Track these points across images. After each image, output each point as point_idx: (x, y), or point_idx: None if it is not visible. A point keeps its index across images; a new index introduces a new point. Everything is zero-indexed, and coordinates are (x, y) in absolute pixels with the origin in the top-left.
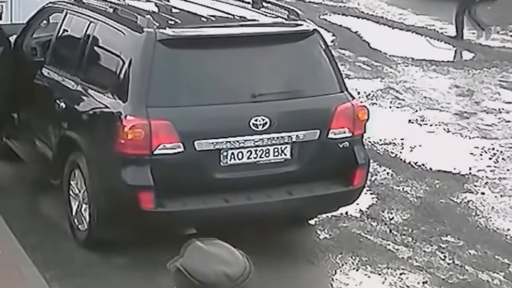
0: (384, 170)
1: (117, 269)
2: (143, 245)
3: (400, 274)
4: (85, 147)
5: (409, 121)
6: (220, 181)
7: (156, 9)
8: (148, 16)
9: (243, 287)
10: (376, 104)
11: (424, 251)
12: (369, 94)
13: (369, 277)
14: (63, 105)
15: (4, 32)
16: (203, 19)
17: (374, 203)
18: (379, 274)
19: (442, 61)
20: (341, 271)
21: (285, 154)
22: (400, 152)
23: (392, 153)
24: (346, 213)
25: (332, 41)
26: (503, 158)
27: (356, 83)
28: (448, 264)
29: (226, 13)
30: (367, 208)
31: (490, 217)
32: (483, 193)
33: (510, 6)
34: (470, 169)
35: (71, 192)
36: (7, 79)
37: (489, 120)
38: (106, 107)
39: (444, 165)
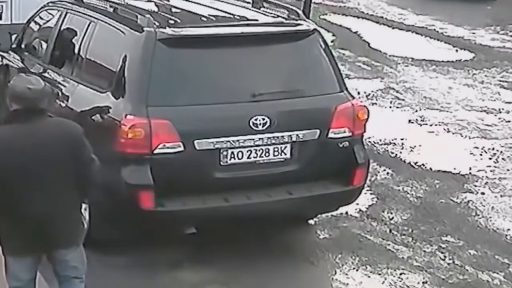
0: (384, 170)
1: (116, 269)
2: (143, 245)
3: (400, 274)
4: None
5: (409, 121)
6: (220, 180)
7: (156, 9)
8: (148, 16)
9: (39, 98)
10: (376, 104)
11: (424, 251)
12: (369, 94)
13: (369, 277)
14: (63, 104)
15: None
16: (203, 18)
17: (374, 203)
18: (379, 274)
19: (442, 61)
20: (341, 271)
21: (285, 154)
22: (400, 152)
23: (392, 153)
24: (346, 213)
25: (332, 41)
26: (503, 158)
27: (356, 83)
28: (448, 264)
29: (226, 12)
30: (367, 208)
31: (490, 217)
32: (483, 193)
33: (510, 6)
34: (470, 169)
35: None
36: None
37: (489, 120)
38: (106, 106)
39: (444, 165)
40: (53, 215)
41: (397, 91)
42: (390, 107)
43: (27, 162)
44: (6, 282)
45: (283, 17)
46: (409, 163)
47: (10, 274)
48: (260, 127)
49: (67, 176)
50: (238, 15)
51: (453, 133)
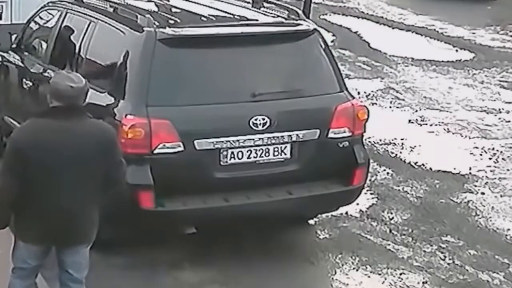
0: (384, 170)
1: (116, 269)
2: (143, 245)
3: (400, 274)
4: None
5: (409, 121)
6: (220, 180)
7: (156, 9)
8: (148, 16)
9: (79, 95)
10: (376, 104)
11: (424, 251)
12: (369, 94)
13: (369, 277)
14: None
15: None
16: (203, 18)
17: (374, 203)
18: (379, 274)
19: (442, 61)
20: (341, 271)
21: (285, 154)
22: (400, 152)
23: (392, 153)
24: (346, 213)
25: (332, 41)
26: (503, 158)
27: (356, 83)
28: (448, 264)
29: (226, 12)
30: (367, 208)
31: (490, 217)
32: (483, 193)
33: (510, 6)
34: (470, 169)
35: None
36: None
37: (489, 120)
38: (106, 106)
39: (444, 165)
40: (75, 213)
41: (397, 91)
42: (390, 107)
43: (55, 159)
44: (11, 262)
45: (283, 17)
46: (409, 163)
47: (18, 256)
48: (260, 127)
49: (94, 176)
50: (238, 15)
51: (453, 133)
